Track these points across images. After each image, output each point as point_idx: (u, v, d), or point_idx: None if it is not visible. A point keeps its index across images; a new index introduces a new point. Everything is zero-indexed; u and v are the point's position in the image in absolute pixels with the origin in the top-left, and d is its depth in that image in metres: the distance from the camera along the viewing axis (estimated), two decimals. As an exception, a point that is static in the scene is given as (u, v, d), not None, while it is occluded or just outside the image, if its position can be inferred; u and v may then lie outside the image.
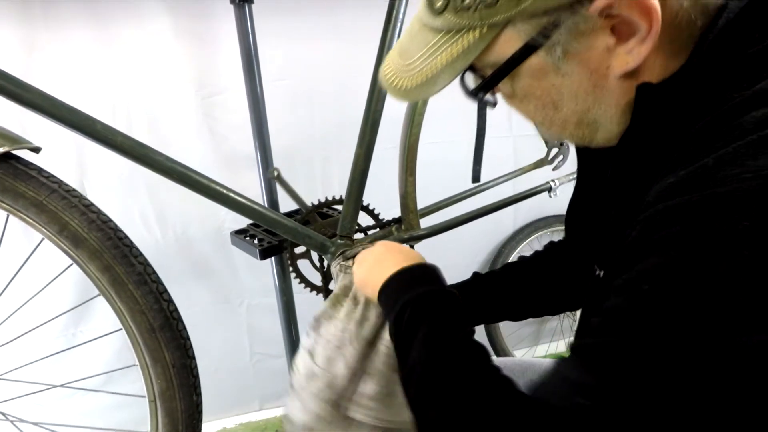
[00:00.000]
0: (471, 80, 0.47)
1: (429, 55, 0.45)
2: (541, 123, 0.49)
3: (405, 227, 0.98)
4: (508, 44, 0.42)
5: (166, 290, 0.75)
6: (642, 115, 0.44)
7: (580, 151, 0.65)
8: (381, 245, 0.69)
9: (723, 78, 0.40)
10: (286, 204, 1.05)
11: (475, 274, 0.80)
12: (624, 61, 0.41)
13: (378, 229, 1.00)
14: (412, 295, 0.54)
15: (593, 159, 0.61)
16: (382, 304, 0.60)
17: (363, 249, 0.72)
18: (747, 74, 0.39)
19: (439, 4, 0.43)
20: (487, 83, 0.46)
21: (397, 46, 0.51)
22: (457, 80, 0.47)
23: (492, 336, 1.76)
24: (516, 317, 0.78)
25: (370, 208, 0.98)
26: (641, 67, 0.42)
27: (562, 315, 1.91)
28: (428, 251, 1.39)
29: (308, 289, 0.97)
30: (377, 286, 0.60)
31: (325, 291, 0.98)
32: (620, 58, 0.41)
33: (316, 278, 0.98)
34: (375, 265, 0.64)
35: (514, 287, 0.76)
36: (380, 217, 1.00)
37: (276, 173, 0.91)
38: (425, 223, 0.99)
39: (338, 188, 1.46)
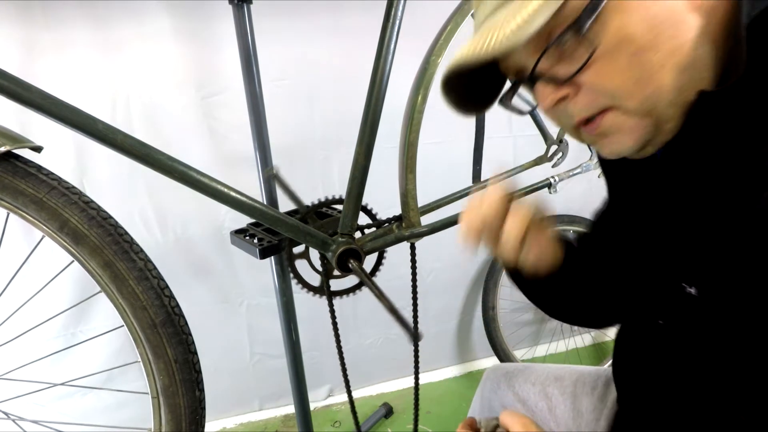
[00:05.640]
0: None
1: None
2: (636, 83, 0.41)
3: (405, 224, 0.98)
4: None
5: (167, 286, 0.75)
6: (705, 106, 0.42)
7: (607, 167, 0.61)
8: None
9: None
10: (285, 206, 1.05)
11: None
12: None
13: (377, 228, 1.00)
14: None
15: (629, 174, 0.57)
16: None
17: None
18: None
19: None
20: (580, 21, 0.39)
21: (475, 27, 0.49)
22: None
23: (492, 336, 1.76)
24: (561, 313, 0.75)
25: (368, 208, 0.98)
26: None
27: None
28: (428, 250, 1.39)
29: (305, 290, 0.97)
30: None
31: (321, 292, 0.98)
32: None
33: (315, 279, 0.98)
34: None
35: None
36: (379, 216, 1.00)
37: (274, 171, 0.91)
38: (425, 220, 0.99)
39: (338, 187, 1.47)
